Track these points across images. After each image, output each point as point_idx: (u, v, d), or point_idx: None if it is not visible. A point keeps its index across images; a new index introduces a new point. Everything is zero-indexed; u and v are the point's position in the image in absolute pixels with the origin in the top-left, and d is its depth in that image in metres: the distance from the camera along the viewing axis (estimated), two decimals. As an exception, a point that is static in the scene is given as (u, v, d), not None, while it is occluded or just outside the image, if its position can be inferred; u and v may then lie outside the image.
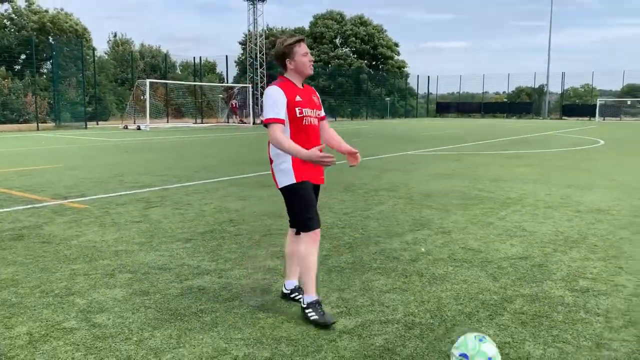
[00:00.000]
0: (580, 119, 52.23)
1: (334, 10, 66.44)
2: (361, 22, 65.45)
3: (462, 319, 3.55)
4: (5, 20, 43.89)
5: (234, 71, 67.22)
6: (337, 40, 65.39)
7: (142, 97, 32.62)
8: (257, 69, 51.52)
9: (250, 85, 41.28)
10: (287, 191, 3.49)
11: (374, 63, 66.25)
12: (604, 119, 51.38)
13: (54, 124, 32.13)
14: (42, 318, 3.50)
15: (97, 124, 34.11)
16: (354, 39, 64.17)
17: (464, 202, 7.65)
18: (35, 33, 42.12)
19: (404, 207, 7.27)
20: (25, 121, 33.32)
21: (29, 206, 7.30)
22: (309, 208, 3.45)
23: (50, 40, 42.46)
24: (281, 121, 3.38)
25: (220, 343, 3.16)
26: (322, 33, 64.24)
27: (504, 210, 7.13)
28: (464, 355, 2.65)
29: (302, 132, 3.48)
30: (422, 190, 8.66)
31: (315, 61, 61.06)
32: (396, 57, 67.89)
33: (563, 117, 54.08)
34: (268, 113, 3.37)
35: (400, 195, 8.19)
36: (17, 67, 40.52)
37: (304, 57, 3.49)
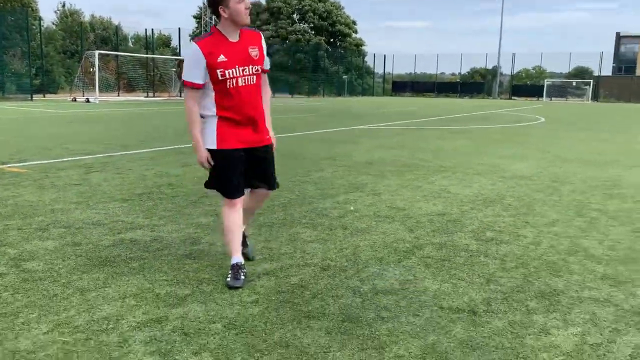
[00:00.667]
0: (529, 99, 53.96)
1: (291, -14, 65.69)
2: (319, -2, 65.06)
3: (373, 262, 3.88)
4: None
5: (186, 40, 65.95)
6: (295, 16, 64.94)
7: (91, 70, 31.80)
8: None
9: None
10: (210, 153, 3.30)
11: (331, 40, 66.18)
12: (551, 99, 53.27)
13: (-3, 96, 30.95)
14: (-28, 264, 3.63)
15: (44, 97, 33.05)
16: (312, 14, 63.83)
17: (400, 169, 8.03)
18: None
19: (342, 174, 7.58)
20: (-33, 92, 31.94)
21: (-35, 170, 7.24)
22: (224, 178, 3.32)
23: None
24: (196, 86, 3.14)
25: (145, 283, 3.39)
26: (279, 8, 63.61)
27: (435, 176, 7.54)
28: None
29: (229, 97, 3.18)
30: (363, 160, 9.00)
31: (272, 36, 60.75)
32: (354, 35, 68.02)
33: (512, 97, 55.73)
34: (184, 75, 3.17)
35: (341, 164, 8.50)
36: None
37: (239, 4, 3.07)
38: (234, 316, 2.94)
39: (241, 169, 3.33)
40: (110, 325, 2.79)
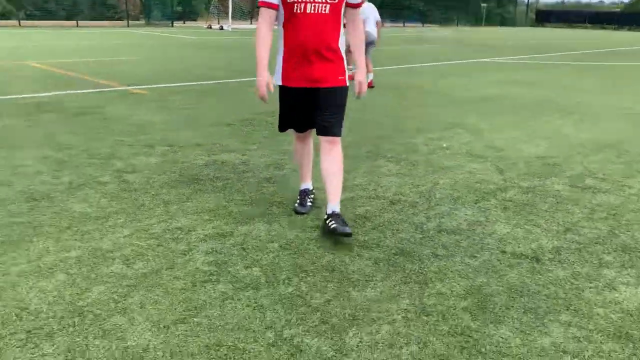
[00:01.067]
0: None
1: None
2: None
3: (448, 200, 3.79)
4: None
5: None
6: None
7: (226, -3, 32.87)
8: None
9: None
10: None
11: (471, -35, 61.45)
12: None
13: (143, 22, 33.41)
14: (83, 173, 4.15)
15: (184, 23, 35.05)
16: None
17: (514, 107, 7.52)
18: None
19: (448, 110, 7.29)
20: (119, 19, 34.83)
21: (97, 90, 8.07)
22: (286, 113, 3.24)
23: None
24: (266, 4, 2.93)
25: (222, 201, 3.64)
26: None
27: (549, 116, 6.97)
28: None
29: (296, 24, 2.90)
30: (476, 95, 8.54)
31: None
32: (497, -41, 62.51)
33: (682, 31, 48.33)
34: None
35: (450, 99, 8.15)
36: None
37: None
38: (292, 238, 3.08)
39: (304, 107, 3.14)
40: (181, 235, 3.08)
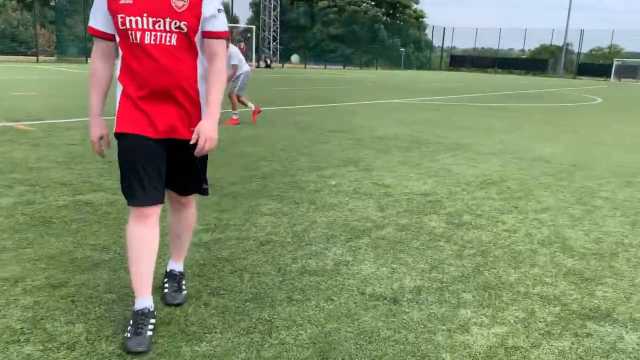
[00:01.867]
0: (595, 79, 50.86)
1: (353, -46, 64.26)
2: (380, -32, 63.38)
3: (320, 240, 3.63)
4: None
5: (247, 13, 66.20)
6: (355, -13, 63.62)
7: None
8: (270, 12, 50.70)
9: (254, 27, 40.50)
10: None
11: (390, 12, 64.60)
12: (619, 80, 49.98)
13: (55, 58, 32.16)
14: None
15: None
16: (371, -15, 62.34)
17: (410, 146, 7.63)
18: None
19: (345, 147, 7.28)
20: (32, 54, 33.33)
21: (-24, 126, 7.45)
22: (124, 174, 2.32)
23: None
24: (93, 31, 2.30)
25: (69, 246, 3.29)
26: (339, -22, 62.45)
27: (444, 154, 7.11)
28: None
29: (133, 56, 2.24)
30: (377, 134, 8.63)
31: (329, 6, 59.91)
32: (415, 7, 66.13)
33: (578, 77, 52.71)
34: (89, 19, 2.32)
35: (351, 137, 8.18)
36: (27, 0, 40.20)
37: None
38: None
39: (151, 164, 2.30)
40: (4, 287, 2.71)
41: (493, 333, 2.50)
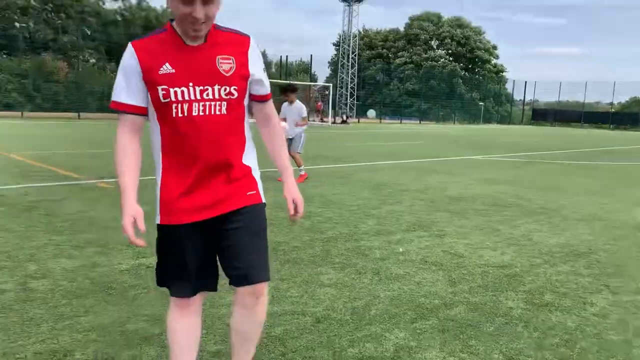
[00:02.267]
0: (697, 133, 47.18)
1: (430, 11, 65.24)
2: (458, 24, 63.78)
3: (383, 319, 3.35)
4: (117, 16, 47.54)
5: (326, 71, 68.30)
6: (433, 42, 64.17)
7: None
8: (348, 70, 51.95)
9: (331, 85, 41.43)
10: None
11: (469, 66, 64.30)
12: None
13: (147, 115, 34.36)
14: None
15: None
16: (449, 41, 62.66)
17: (488, 209, 7.20)
18: (142, 29, 45.23)
19: (418, 209, 6.98)
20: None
21: (64, 182, 7.87)
22: (165, 265, 2.17)
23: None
24: (122, 107, 2.02)
25: (122, 316, 3.22)
26: (416, 34, 63.36)
27: (524, 219, 6.62)
28: None
29: (176, 132, 2.01)
30: (454, 194, 8.26)
31: (406, 63, 60.55)
32: (494, 61, 65.47)
33: (677, 131, 49.19)
34: (113, 93, 2.04)
35: (425, 197, 7.87)
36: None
37: (180, 3, 1.88)
38: (180, 367, 2.63)
39: (194, 253, 2.12)
40: (51, 361, 2.65)
41: None
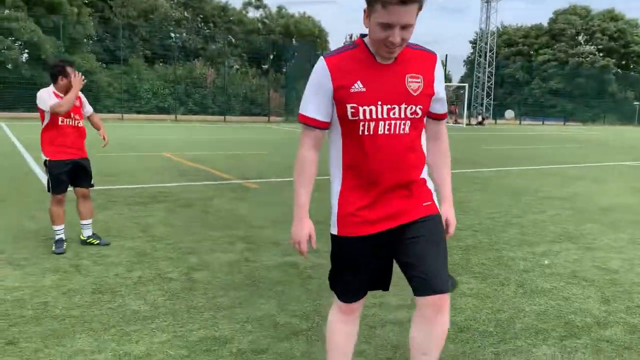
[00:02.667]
0: None
1: (578, 5, 60.47)
2: (611, 16, 58.39)
3: (528, 334, 3.24)
4: (258, 24, 50.45)
5: (461, 70, 66.31)
6: (580, 37, 59.43)
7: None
8: (485, 68, 49.98)
9: (466, 85, 40.11)
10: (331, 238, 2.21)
11: (623, 62, 58.60)
12: None
13: (282, 118, 35.98)
14: (156, 267, 4.27)
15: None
16: (600, 35, 57.59)
17: (646, 221, 6.57)
18: (281, 36, 47.53)
19: (564, 219, 6.57)
20: (265, 114, 37.94)
21: (214, 182, 8.59)
22: (337, 273, 2.23)
23: (294, 42, 47.57)
24: (310, 121, 2.08)
25: (273, 309, 3.48)
26: (562, 29, 59.10)
27: (691, 234, 5.94)
28: None
29: (360, 149, 2.04)
30: (603, 204, 7.64)
31: (549, 60, 56.68)
32: (653, 56, 59.01)
33: None
34: (301, 106, 2.12)
35: (572, 207, 7.37)
36: (265, 67, 46.26)
37: (379, 27, 1.89)
38: (328, 364, 2.79)
39: (368, 265, 2.19)
40: (214, 347, 2.95)
41: None
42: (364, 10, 1.93)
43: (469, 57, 62.65)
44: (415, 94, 2.00)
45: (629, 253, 5.08)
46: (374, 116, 1.98)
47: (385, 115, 1.98)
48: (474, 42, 59.30)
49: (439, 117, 2.19)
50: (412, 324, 2.17)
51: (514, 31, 63.73)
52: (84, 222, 4.87)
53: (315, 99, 2.04)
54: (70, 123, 4.67)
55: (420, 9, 1.90)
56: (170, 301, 3.58)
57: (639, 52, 57.14)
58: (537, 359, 2.92)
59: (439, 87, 2.09)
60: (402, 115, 2.00)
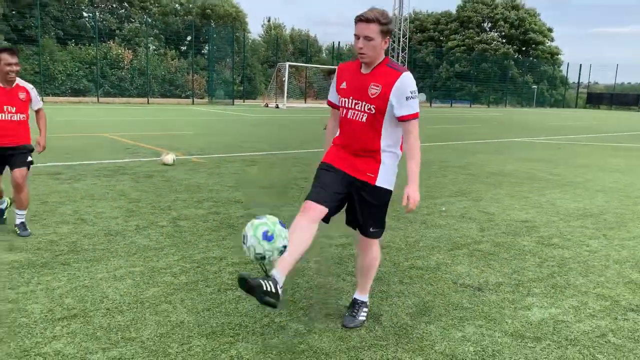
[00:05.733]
0: None
1: (484, -7, 64.41)
2: (512, 5, 62.93)
3: (425, 249, 4.73)
4: (176, 5, 49.84)
5: (376, 55, 68.62)
6: (486, 25, 63.64)
7: (282, 79, 35.53)
8: (399, 53, 52.61)
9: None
10: None
11: (523, 49, 63.47)
12: None
13: (207, 100, 36.38)
14: (147, 219, 5.38)
15: (244, 102, 37.84)
16: (502, 23, 62.00)
17: (521, 181, 8.40)
18: (198, 18, 47.32)
19: (459, 181, 8.26)
20: (186, 97, 38.09)
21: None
22: (314, 182, 3.11)
23: (212, 24, 47.55)
24: (331, 104, 3.23)
25: (249, 242, 4.73)
26: (469, 17, 62.97)
27: (552, 190, 7.80)
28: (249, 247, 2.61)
29: (342, 124, 3.11)
30: (492, 170, 9.47)
31: (458, 45, 60.50)
32: (548, 43, 64.30)
33: None
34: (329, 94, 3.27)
35: (466, 173, 9.11)
36: (183, 49, 45.97)
37: (356, 41, 2.89)
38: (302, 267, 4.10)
39: (334, 178, 3.03)
40: (215, 261, 4.18)
41: (549, 312, 3.44)
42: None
43: (392, 45, 65.26)
44: (372, 97, 2.94)
45: (503, 202, 6.79)
46: (347, 105, 3.04)
47: (352, 106, 3.01)
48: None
49: (400, 119, 2.97)
50: (358, 253, 3.35)
51: (425, 17, 67.07)
52: (17, 211, 4.77)
53: (332, 90, 3.20)
54: (4, 118, 4.57)
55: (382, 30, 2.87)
56: (169, 238, 4.75)
57: (535, 39, 62.18)
58: (432, 262, 4.40)
59: (395, 97, 2.91)
60: (362, 109, 2.97)
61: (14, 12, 39.16)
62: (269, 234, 2.54)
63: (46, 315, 3.16)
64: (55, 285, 3.60)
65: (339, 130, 3.14)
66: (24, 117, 4.71)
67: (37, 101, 4.82)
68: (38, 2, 34.36)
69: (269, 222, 2.59)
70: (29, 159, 4.79)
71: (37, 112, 4.87)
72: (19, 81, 4.68)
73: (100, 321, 3.11)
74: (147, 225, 5.13)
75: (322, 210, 2.97)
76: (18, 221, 4.76)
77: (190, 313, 3.25)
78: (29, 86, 4.76)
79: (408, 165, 3.01)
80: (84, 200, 6.03)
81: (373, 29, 2.84)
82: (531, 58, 62.85)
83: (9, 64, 4.49)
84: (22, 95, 4.66)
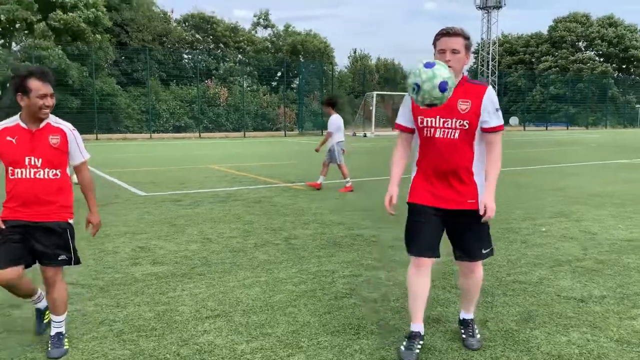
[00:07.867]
0: None
1: (579, 12, 62.14)
2: (610, 22, 60.11)
3: (527, 266, 4.89)
4: (267, 43, 52.47)
5: (464, 81, 67.81)
6: (581, 44, 61.14)
7: (370, 108, 36.17)
8: (488, 77, 51.85)
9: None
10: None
11: (623, 67, 60.20)
12: None
13: (297, 132, 37.76)
14: (263, 238, 5.97)
15: (333, 132, 38.78)
16: (599, 41, 59.28)
17: (624, 202, 8.20)
18: (288, 54, 49.48)
19: (558, 202, 8.22)
20: (277, 129, 39.78)
21: (266, 185, 10.30)
22: (409, 231, 3.13)
23: (301, 59, 49.57)
24: (403, 128, 3.13)
25: (356, 257, 5.15)
26: (562, 37, 60.83)
27: (659, 209, 7.58)
28: (416, 85, 2.72)
29: (425, 146, 3.05)
30: (592, 192, 9.29)
31: (550, 67, 58.48)
32: (652, 60, 60.53)
33: None
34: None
35: (564, 195, 9.02)
36: (274, 84, 48.16)
37: (441, 56, 2.93)
38: (402, 280, 4.45)
39: (433, 226, 3.05)
40: (328, 273, 4.63)
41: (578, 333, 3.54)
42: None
43: (472, 67, 64.49)
44: (463, 113, 2.93)
45: (606, 223, 6.74)
46: (433, 124, 2.98)
47: (441, 125, 2.96)
48: (475, 52, 61.11)
49: (486, 130, 3.00)
50: (460, 277, 3.38)
51: (514, 40, 65.59)
52: (52, 316, 3.26)
53: (404, 113, 3.12)
54: (26, 175, 3.07)
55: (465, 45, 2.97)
56: (284, 254, 5.27)
57: (638, 56, 58.75)
58: (535, 277, 4.58)
59: (485, 111, 2.95)
60: (453, 126, 2.94)
61: (123, 58, 43.12)
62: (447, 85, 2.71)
63: (195, 315, 3.74)
64: (197, 292, 4.20)
65: (417, 155, 3.10)
66: (57, 175, 3.14)
67: (77, 151, 3.22)
68: (147, 48, 37.60)
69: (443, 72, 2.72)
70: (62, 256, 3.18)
71: (78, 169, 3.29)
72: (51, 119, 3.17)
73: (240, 320, 3.63)
74: (264, 244, 5.71)
75: (432, 260, 3.13)
76: (53, 331, 3.22)
77: (314, 315, 3.70)
78: (67, 126, 3.21)
79: (487, 174, 3.05)
80: (206, 223, 6.76)
81: (459, 42, 2.93)
82: (633, 76, 59.42)
83: (43, 96, 3.01)
84: (54, 140, 3.12)
